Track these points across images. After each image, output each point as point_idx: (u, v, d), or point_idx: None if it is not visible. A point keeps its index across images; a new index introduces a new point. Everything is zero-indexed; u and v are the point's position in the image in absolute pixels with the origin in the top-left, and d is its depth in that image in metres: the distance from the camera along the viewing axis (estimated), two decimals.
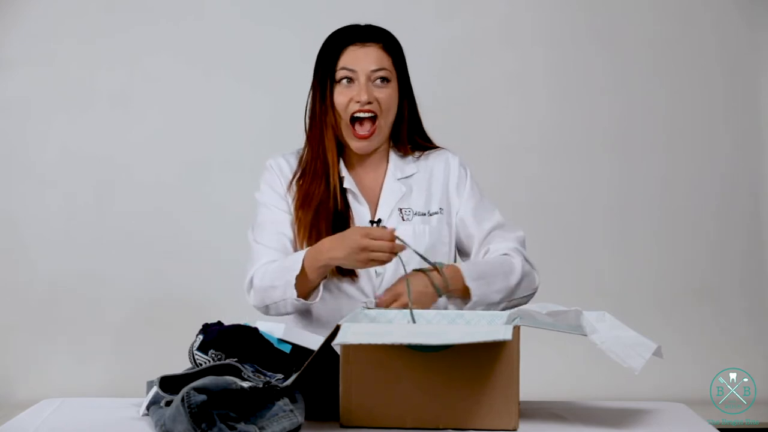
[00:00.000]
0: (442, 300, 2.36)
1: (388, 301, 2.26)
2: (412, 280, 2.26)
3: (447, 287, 2.31)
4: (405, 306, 2.21)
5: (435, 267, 2.32)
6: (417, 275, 2.30)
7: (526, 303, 2.38)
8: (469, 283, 2.32)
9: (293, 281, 2.28)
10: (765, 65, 4.26)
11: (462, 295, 2.34)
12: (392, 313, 2.14)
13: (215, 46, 4.17)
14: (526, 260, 2.41)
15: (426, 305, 2.28)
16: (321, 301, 2.38)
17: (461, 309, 2.34)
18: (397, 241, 2.19)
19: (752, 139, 4.27)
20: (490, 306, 2.35)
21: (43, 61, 4.14)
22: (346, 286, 2.39)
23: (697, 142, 4.26)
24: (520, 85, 4.24)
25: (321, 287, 2.33)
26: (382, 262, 2.20)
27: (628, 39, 4.24)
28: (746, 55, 4.26)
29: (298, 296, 2.30)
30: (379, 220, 2.41)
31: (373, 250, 2.17)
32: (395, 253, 2.18)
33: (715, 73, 4.26)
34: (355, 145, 2.39)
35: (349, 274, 2.37)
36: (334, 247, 2.24)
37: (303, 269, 2.28)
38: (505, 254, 2.41)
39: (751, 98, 4.27)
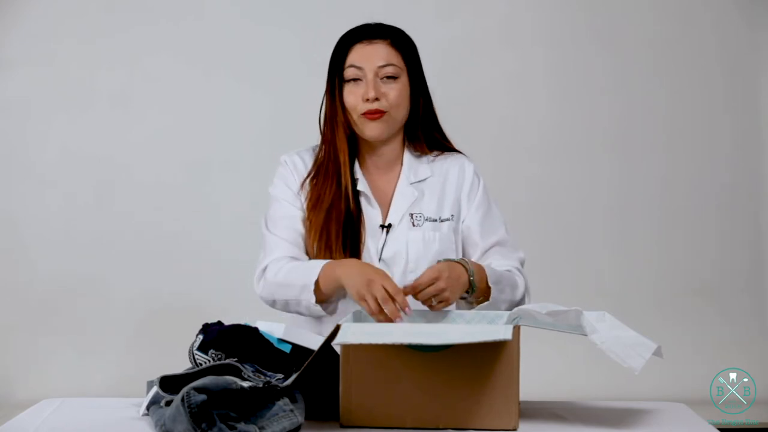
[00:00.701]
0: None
1: (425, 283, 2.15)
2: (447, 268, 2.18)
3: (475, 284, 2.24)
4: (441, 291, 2.15)
5: (462, 264, 2.25)
6: (453, 264, 2.22)
7: None
8: (490, 284, 2.27)
9: (312, 286, 2.26)
10: (765, 65, 4.26)
11: (480, 296, 2.28)
12: None
13: (215, 46, 4.17)
14: (526, 282, 2.40)
15: (456, 295, 2.20)
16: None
17: (464, 309, 2.32)
18: (401, 314, 2.10)
19: (752, 139, 4.27)
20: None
21: (43, 61, 4.14)
22: None
23: (697, 142, 4.26)
24: (520, 85, 4.24)
25: (338, 305, 2.31)
26: (369, 309, 2.12)
27: (628, 39, 4.24)
28: (746, 55, 4.26)
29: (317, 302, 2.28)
30: (389, 225, 2.40)
31: (375, 295, 2.11)
32: (384, 315, 2.10)
33: (715, 73, 4.26)
34: (367, 128, 2.36)
35: None
36: (350, 272, 2.19)
37: (319, 278, 2.26)
38: (508, 270, 2.39)
39: (751, 98, 4.27)
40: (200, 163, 4.18)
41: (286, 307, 2.33)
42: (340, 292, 2.26)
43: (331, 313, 2.32)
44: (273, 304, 2.35)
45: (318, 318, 2.38)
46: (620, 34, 4.24)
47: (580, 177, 4.24)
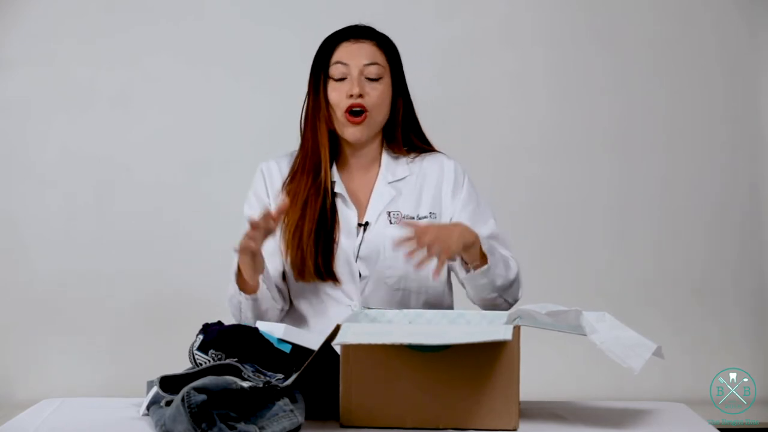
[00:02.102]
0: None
1: (420, 228, 2.17)
2: (436, 224, 2.23)
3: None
4: (435, 237, 2.16)
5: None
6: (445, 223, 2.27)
7: (506, 310, 2.34)
8: (485, 250, 2.27)
9: (234, 278, 2.30)
10: (765, 65, 4.26)
11: (476, 259, 2.29)
12: (392, 313, 2.15)
13: (215, 46, 4.17)
14: (519, 270, 2.39)
15: (454, 242, 2.20)
16: (308, 305, 2.40)
17: (466, 275, 2.31)
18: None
19: (752, 139, 4.27)
20: (483, 290, 2.31)
21: (43, 61, 4.14)
22: (329, 290, 2.39)
23: (697, 142, 4.26)
24: (520, 85, 4.24)
25: (261, 284, 2.31)
26: (247, 247, 2.18)
27: (628, 39, 4.24)
28: (746, 55, 4.26)
29: (240, 290, 2.30)
30: (367, 223, 2.41)
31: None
32: (254, 235, 2.17)
33: (715, 73, 4.26)
34: (348, 131, 2.39)
35: (330, 278, 2.38)
36: None
37: (239, 266, 2.29)
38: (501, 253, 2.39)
39: (751, 98, 4.27)
40: (200, 163, 4.18)
41: (246, 318, 2.34)
42: (248, 263, 2.26)
43: (252, 291, 2.31)
44: (241, 319, 2.37)
45: (303, 323, 2.40)
46: (620, 34, 4.24)
47: (580, 177, 4.24)
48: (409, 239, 2.17)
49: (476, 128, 4.15)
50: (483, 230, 2.39)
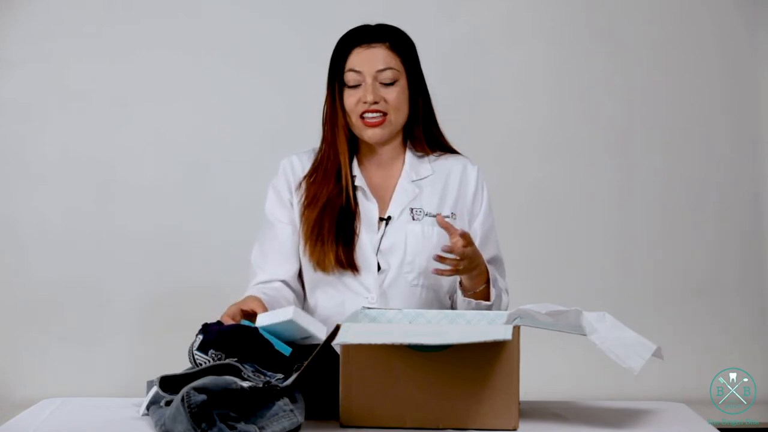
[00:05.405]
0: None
1: (461, 243, 2.23)
2: (475, 251, 2.27)
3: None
4: (463, 257, 2.22)
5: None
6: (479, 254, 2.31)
7: None
8: (492, 286, 2.36)
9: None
10: (765, 65, 4.26)
11: (477, 290, 2.36)
12: (392, 313, 2.15)
13: (216, 46, 4.17)
14: (507, 304, 2.47)
15: (467, 273, 2.28)
16: (324, 296, 2.41)
17: (464, 298, 2.36)
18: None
19: (752, 139, 4.27)
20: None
21: (42, 61, 4.13)
22: (348, 280, 2.40)
23: (697, 142, 4.26)
24: (521, 86, 4.24)
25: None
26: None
27: (628, 39, 4.24)
28: (746, 55, 4.26)
29: None
30: (389, 218, 2.42)
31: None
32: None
33: (715, 73, 4.26)
34: (367, 134, 2.40)
35: (351, 268, 2.38)
36: None
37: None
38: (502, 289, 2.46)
39: (751, 98, 4.27)
40: (200, 162, 4.17)
41: None
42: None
43: None
44: None
45: (319, 315, 2.41)
46: (620, 35, 4.24)
47: (580, 177, 4.24)
48: (453, 250, 2.22)
49: (477, 128, 4.14)
50: (487, 252, 2.44)
